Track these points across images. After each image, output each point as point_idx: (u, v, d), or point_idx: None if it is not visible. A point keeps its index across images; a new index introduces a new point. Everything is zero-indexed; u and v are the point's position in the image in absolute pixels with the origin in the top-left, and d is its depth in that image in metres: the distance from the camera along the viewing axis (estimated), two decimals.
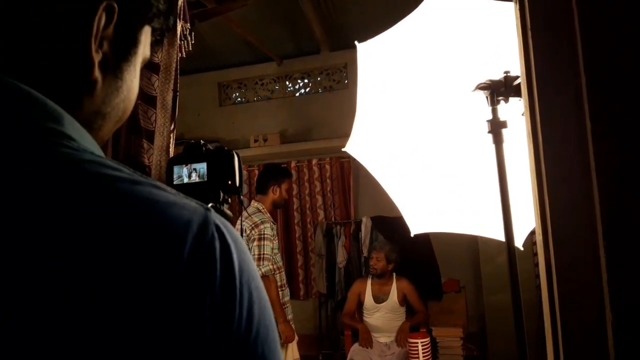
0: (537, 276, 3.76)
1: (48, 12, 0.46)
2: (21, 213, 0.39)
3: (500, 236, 1.38)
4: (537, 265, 3.33)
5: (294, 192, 5.73)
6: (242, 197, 0.98)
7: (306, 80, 6.09)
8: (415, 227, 1.81)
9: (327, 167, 5.73)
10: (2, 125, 0.42)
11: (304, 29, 5.13)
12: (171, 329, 0.39)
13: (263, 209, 3.19)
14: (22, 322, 0.37)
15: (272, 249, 3.06)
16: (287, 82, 6.12)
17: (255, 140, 5.77)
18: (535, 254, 3.68)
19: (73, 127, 0.45)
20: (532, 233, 1.33)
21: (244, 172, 5.85)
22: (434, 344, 4.19)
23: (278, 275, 3.10)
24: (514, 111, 1.37)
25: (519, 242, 1.60)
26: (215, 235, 0.43)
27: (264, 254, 3.00)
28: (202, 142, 0.97)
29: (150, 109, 1.21)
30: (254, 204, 3.24)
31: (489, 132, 1.39)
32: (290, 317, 3.14)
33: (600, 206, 0.72)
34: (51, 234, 0.39)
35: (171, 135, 1.23)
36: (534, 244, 2.71)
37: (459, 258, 5.01)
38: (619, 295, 0.71)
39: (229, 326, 0.42)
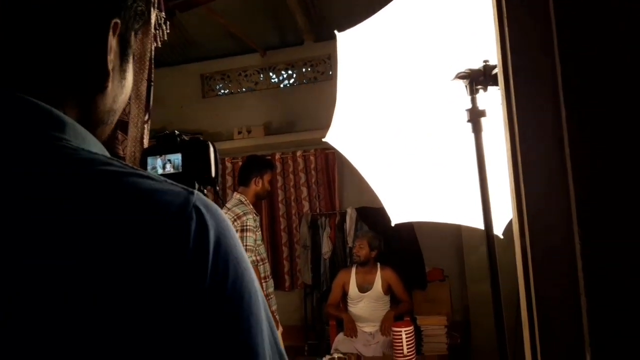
0: None
1: (69, 34, 0.51)
2: (21, 213, 0.40)
3: (482, 225, 1.39)
4: None
5: (279, 184, 5.72)
6: (218, 187, 0.97)
7: (290, 72, 6.05)
8: (396, 216, 1.82)
9: (312, 158, 5.72)
10: (5, 130, 0.44)
11: (287, 19, 5.10)
12: (161, 316, 0.40)
13: (245, 200, 3.17)
14: (22, 322, 0.37)
15: (255, 240, 3.06)
16: (271, 74, 6.08)
17: (239, 132, 5.74)
18: None
19: (74, 132, 0.49)
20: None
21: (228, 164, 5.84)
22: (418, 333, 4.23)
23: (262, 266, 3.10)
24: (494, 100, 1.37)
25: (499, 230, 1.61)
26: (193, 216, 0.45)
27: (246, 245, 3.00)
28: (176, 132, 0.96)
29: None
30: (236, 195, 3.23)
31: (468, 121, 1.39)
32: (274, 308, 3.15)
33: (575, 194, 0.73)
34: (51, 234, 0.40)
35: (145, 126, 1.21)
36: None
37: (443, 247, 5.05)
38: (593, 281, 0.72)
39: (199, 300, 0.43)
